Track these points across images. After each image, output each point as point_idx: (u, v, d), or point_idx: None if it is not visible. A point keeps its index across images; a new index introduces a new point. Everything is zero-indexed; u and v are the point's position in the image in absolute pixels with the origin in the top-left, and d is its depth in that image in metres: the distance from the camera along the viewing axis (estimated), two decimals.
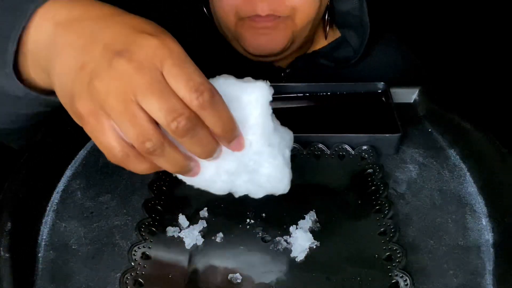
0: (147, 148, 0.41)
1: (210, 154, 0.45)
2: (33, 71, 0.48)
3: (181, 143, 0.42)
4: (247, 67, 0.82)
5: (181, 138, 0.41)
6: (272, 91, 0.48)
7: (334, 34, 0.87)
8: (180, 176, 0.49)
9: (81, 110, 0.41)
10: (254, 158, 0.48)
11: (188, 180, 0.49)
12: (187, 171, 0.46)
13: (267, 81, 0.48)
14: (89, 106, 0.41)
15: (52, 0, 0.46)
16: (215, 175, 0.48)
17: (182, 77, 0.40)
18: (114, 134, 0.41)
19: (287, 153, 0.51)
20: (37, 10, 0.45)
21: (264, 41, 0.75)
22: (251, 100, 0.47)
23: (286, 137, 0.51)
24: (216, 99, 0.42)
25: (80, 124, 0.43)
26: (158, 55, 0.40)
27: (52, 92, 0.48)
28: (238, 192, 0.51)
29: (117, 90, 0.40)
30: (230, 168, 0.48)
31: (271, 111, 0.48)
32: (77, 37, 0.43)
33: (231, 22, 0.75)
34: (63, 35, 0.44)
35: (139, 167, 0.44)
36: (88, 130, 0.42)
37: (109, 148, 0.42)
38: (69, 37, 0.43)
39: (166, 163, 0.43)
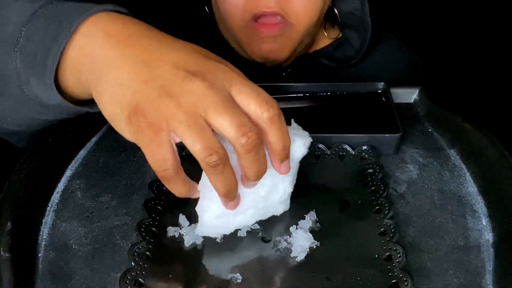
0: (213, 161, 0.43)
1: (261, 175, 0.47)
2: (70, 77, 0.49)
3: (244, 159, 0.44)
4: (248, 66, 0.82)
5: (247, 154, 0.43)
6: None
7: (336, 34, 0.87)
8: (202, 229, 0.52)
9: (142, 121, 0.43)
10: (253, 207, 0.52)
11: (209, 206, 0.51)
12: (234, 196, 0.48)
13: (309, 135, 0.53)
14: (152, 119, 0.42)
15: (102, 13, 0.48)
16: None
17: (252, 94, 0.44)
18: (171, 148, 0.43)
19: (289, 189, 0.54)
20: (86, 20, 0.47)
21: (269, 49, 0.75)
22: (298, 146, 0.52)
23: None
24: (282, 115, 0.45)
25: (133, 136, 0.44)
26: (227, 78, 0.44)
27: (80, 101, 0.51)
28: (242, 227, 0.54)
29: (189, 105, 0.42)
30: (247, 204, 0.51)
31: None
32: (139, 52, 0.45)
33: (236, 22, 0.74)
34: (119, 48, 0.45)
35: (181, 189, 0.47)
36: (144, 141, 0.43)
37: (163, 161, 0.43)
38: (127, 51, 0.45)
39: (221, 182, 0.45)
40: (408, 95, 0.74)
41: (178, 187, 0.46)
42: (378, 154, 0.63)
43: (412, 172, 0.63)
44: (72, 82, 0.49)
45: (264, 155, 0.46)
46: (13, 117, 0.56)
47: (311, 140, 0.53)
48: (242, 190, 0.50)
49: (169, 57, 0.44)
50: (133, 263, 0.50)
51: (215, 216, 0.51)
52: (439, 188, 0.60)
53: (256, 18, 0.73)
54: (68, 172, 0.64)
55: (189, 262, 0.52)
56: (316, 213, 0.55)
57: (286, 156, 0.47)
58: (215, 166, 0.43)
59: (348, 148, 0.64)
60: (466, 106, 0.68)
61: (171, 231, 0.54)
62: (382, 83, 0.72)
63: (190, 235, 0.54)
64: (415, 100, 0.74)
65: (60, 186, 0.62)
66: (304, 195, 0.58)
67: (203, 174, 0.49)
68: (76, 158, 0.66)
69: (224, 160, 0.43)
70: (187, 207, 0.57)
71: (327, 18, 0.84)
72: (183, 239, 0.53)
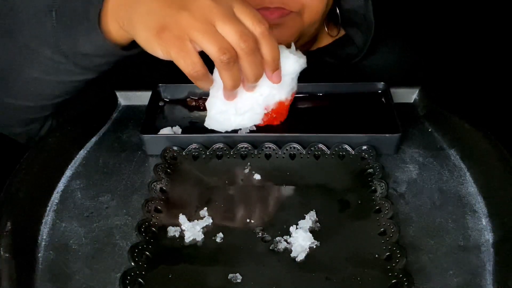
0: (226, 58, 0.53)
1: (258, 77, 0.57)
2: (111, 22, 0.60)
3: (244, 61, 0.54)
4: None
5: (247, 57, 0.54)
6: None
7: (339, 32, 0.86)
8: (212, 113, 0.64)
9: (170, 36, 0.53)
10: (251, 110, 0.64)
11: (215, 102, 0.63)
12: (235, 93, 0.60)
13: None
14: (177, 32, 0.53)
15: None
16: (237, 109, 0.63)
17: (249, 13, 0.54)
18: (196, 54, 0.53)
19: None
20: None
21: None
22: (292, 61, 0.62)
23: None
24: (271, 33, 0.55)
25: (165, 51, 0.54)
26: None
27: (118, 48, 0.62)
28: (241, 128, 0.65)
29: (202, 16, 0.52)
30: (246, 107, 0.63)
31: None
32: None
33: None
34: None
35: (208, 84, 0.57)
36: (174, 52, 0.53)
37: (194, 64, 0.54)
38: None
39: (229, 77, 0.56)
40: (408, 95, 0.74)
41: (207, 83, 0.57)
42: (378, 154, 0.63)
43: (412, 172, 0.63)
44: (113, 27, 0.60)
45: (260, 59, 0.56)
46: (37, 86, 0.67)
47: (305, 61, 0.63)
48: (244, 95, 0.62)
49: None
50: (133, 263, 0.50)
51: (219, 111, 0.63)
52: (439, 188, 0.60)
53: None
54: (68, 172, 0.64)
55: (189, 262, 0.52)
56: (316, 213, 0.55)
57: (276, 66, 0.58)
58: (227, 63, 0.53)
59: (348, 148, 0.64)
60: (466, 106, 0.68)
61: (171, 231, 0.54)
62: (382, 83, 0.72)
63: (190, 231, 0.54)
64: (415, 100, 0.74)
65: (60, 186, 0.62)
66: (304, 195, 0.58)
67: (215, 76, 0.59)
68: (76, 158, 0.66)
69: (234, 58, 0.53)
70: (187, 207, 0.57)
71: (330, 17, 0.84)
72: (183, 239, 0.54)
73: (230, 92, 0.60)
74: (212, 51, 0.53)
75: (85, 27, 0.60)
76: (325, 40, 0.87)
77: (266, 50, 0.55)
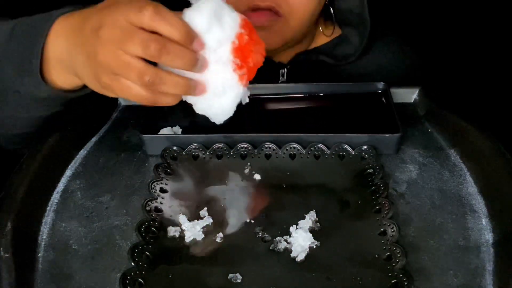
0: (148, 81, 0.50)
1: (192, 62, 0.51)
2: (54, 71, 0.59)
3: (164, 63, 0.50)
4: None
5: (161, 58, 0.49)
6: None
7: (336, 31, 0.87)
8: (189, 100, 0.56)
9: (106, 82, 0.52)
10: (230, 87, 0.55)
11: (196, 102, 0.56)
12: (192, 89, 0.54)
13: None
14: (107, 77, 0.51)
15: (61, 16, 0.58)
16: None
17: (131, 9, 0.49)
18: (135, 85, 0.51)
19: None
20: (53, 25, 0.57)
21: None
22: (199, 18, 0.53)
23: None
24: (160, 10, 0.49)
25: (114, 94, 0.53)
26: (123, 14, 0.50)
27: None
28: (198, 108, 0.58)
29: (109, 52, 0.50)
30: (213, 88, 0.55)
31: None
32: (80, 41, 0.54)
33: None
34: (71, 41, 0.56)
35: (166, 99, 0.53)
36: (119, 93, 0.52)
37: (140, 96, 0.52)
38: (73, 40, 0.55)
39: (171, 88, 0.52)
40: (408, 95, 0.74)
41: (162, 100, 0.54)
42: (378, 154, 0.63)
43: (412, 172, 0.63)
44: (56, 76, 0.59)
45: (177, 47, 0.50)
46: (16, 121, 0.66)
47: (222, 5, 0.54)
48: (204, 77, 0.54)
49: (89, 24, 0.52)
50: (133, 263, 0.50)
51: (199, 102, 0.56)
52: (439, 188, 0.60)
53: (250, 11, 0.73)
54: (68, 172, 0.64)
55: (189, 262, 0.52)
56: (316, 213, 0.55)
57: (188, 38, 0.51)
58: (153, 82, 0.50)
59: (348, 148, 0.64)
60: (466, 106, 0.68)
61: (171, 231, 0.54)
62: (382, 83, 0.72)
63: (191, 231, 0.54)
64: (415, 100, 0.74)
65: (60, 186, 0.62)
66: (304, 195, 0.58)
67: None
68: (76, 158, 0.66)
69: (154, 74, 0.50)
70: (187, 207, 0.57)
71: (326, 16, 0.84)
72: (183, 239, 0.54)
73: (193, 90, 0.55)
74: (136, 81, 0.51)
75: (32, 80, 0.60)
76: (322, 40, 0.87)
77: (166, 31, 0.50)
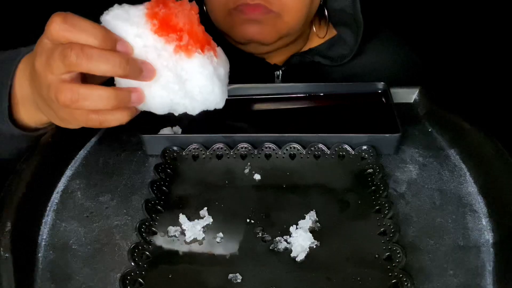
0: (65, 100, 0.48)
1: (121, 65, 0.48)
2: (25, 111, 0.60)
3: (90, 70, 0.47)
4: (242, 63, 0.81)
5: (83, 65, 0.47)
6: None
7: (330, 33, 0.86)
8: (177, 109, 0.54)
9: (64, 116, 0.52)
10: (186, 67, 0.51)
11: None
12: (127, 99, 0.51)
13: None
14: (61, 112, 0.52)
15: (23, 59, 0.59)
16: (156, 91, 0.52)
17: (46, 26, 0.48)
18: (83, 114, 0.50)
19: (222, 71, 0.55)
20: (18, 65, 0.58)
21: (252, 30, 0.74)
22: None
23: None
24: (68, 19, 0.48)
25: (77, 125, 0.53)
26: (59, 60, 0.48)
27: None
28: (177, 110, 0.54)
29: (51, 82, 0.49)
30: (165, 80, 0.51)
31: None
32: (35, 79, 0.53)
33: (220, 12, 0.75)
34: (32, 84, 0.55)
35: (116, 118, 0.51)
36: (74, 124, 0.53)
37: (92, 122, 0.50)
38: (36, 78, 0.53)
39: (98, 102, 0.49)
40: (408, 95, 0.74)
41: (112, 120, 0.51)
42: (378, 154, 0.63)
43: (412, 172, 0.63)
44: (24, 113, 0.61)
45: (99, 51, 0.47)
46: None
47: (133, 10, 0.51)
48: (160, 71, 0.51)
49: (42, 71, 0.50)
50: (133, 263, 0.50)
51: (156, 96, 0.52)
52: (439, 188, 0.60)
53: (240, 9, 0.73)
54: (68, 172, 0.64)
55: (189, 262, 0.52)
56: (316, 213, 0.55)
57: (109, 42, 0.48)
58: (73, 100, 0.48)
59: (348, 148, 0.64)
60: (466, 106, 0.68)
61: (171, 231, 0.54)
62: (382, 83, 0.72)
63: (191, 230, 0.54)
64: (415, 100, 0.74)
65: (60, 186, 0.62)
66: (304, 195, 0.58)
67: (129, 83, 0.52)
68: (76, 158, 0.66)
69: (68, 89, 0.48)
70: (187, 207, 0.57)
71: (321, 17, 0.84)
72: (183, 239, 0.54)
73: (128, 100, 0.52)
74: (66, 102, 0.49)
75: (4, 121, 0.60)
76: (316, 40, 0.86)
77: (81, 39, 0.47)
